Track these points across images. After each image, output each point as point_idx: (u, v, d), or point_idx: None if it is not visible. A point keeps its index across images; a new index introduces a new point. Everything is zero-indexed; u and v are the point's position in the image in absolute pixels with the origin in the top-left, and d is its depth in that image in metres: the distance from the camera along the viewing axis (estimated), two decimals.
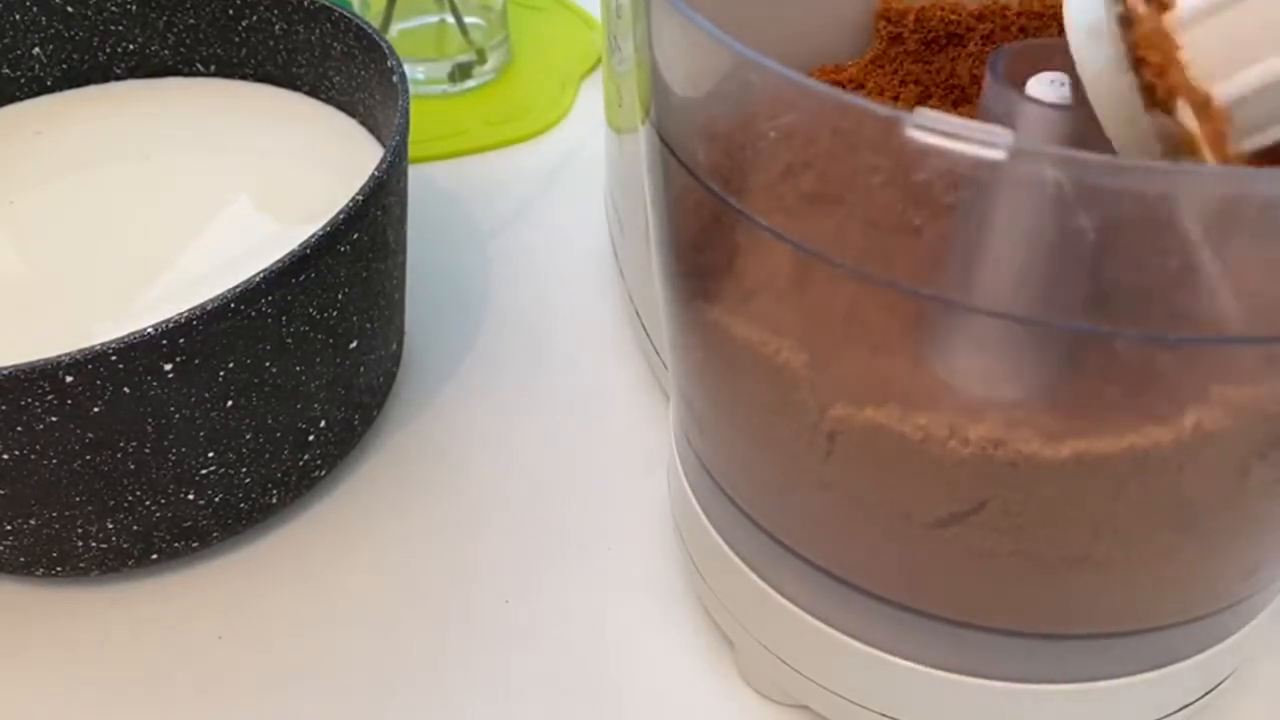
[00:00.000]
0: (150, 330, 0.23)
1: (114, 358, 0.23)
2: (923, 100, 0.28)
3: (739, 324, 0.21)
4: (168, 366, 0.24)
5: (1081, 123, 0.18)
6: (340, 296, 0.28)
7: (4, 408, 0.23)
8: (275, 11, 0.36)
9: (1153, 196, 0.14)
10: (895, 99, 0.27)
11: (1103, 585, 0.19)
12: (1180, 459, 0.17)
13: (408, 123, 0.30)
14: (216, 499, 0.28)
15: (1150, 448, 0.17)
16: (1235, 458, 0.17)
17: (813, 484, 0.21)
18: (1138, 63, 0.16)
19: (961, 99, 0.28)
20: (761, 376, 0.20)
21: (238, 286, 0.24)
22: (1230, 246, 0.15)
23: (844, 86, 0.28)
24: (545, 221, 0.42)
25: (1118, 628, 0.20)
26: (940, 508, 0.19)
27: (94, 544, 0.27)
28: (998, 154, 0.14)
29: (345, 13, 0.34)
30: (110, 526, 0.27)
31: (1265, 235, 0.14)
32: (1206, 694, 0.23)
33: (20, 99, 0.38)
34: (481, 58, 0.49)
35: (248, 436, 0.27)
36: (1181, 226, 0.14)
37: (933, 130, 0.14)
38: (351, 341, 0.29)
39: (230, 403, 0.26)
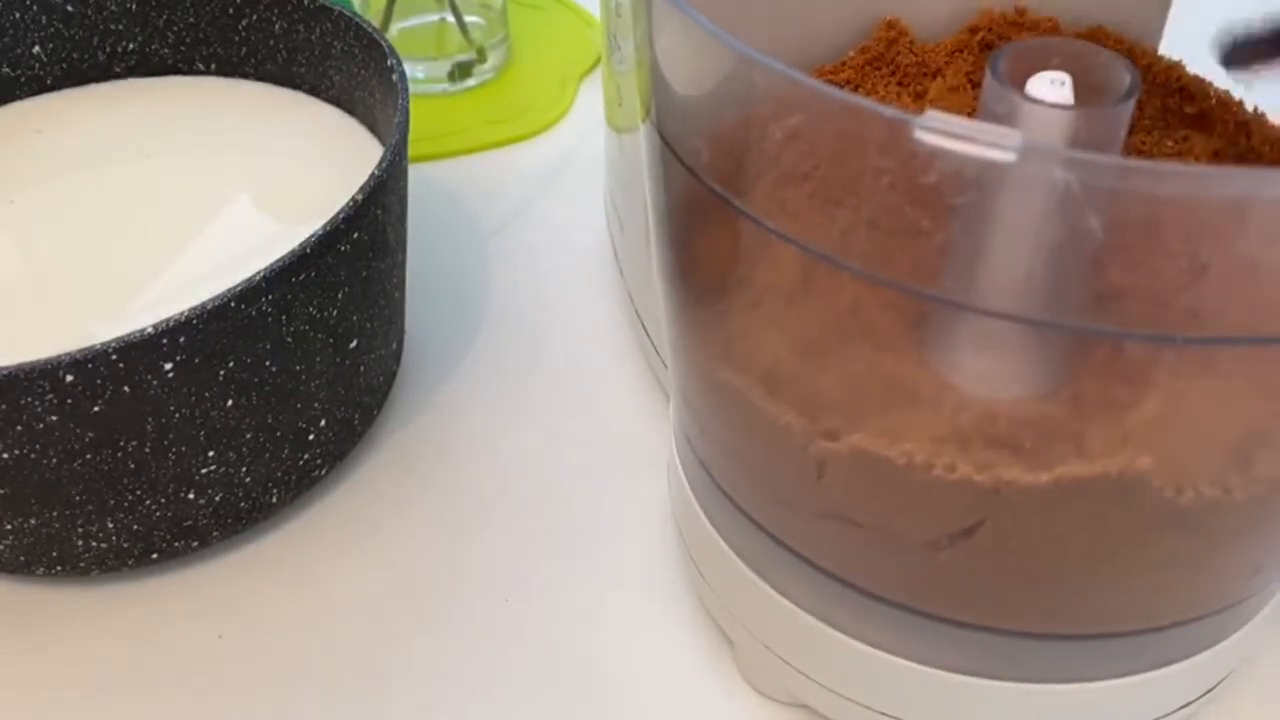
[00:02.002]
0: (150, 329, 0.23)
1: (114, 357, 0.23)
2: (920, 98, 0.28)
3: (733, 337, 0.21)
4: (168, 366, 0.24)
5: (1083, 123, 0.18)
6: (340, 296, 0.28)
7: (4, 407, 0.23)
8: (275, 10, 0.36)
9: (1163, 197, 0.14)
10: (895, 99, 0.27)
11: (1101, 590, 0.19)
12: (1160, 479, 0.17)
13: (407, 121, 0.30)
14: (216, 498, 0.28)
15: (1126, 468, 0.17)
16: (1213, 470, 0.17)
17: (808, 503, 0.21)
18: None
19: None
20: (753, 403, 0.20)
21: (238, 286, 0.24)
22: (1239, 247, 0.15)
23: (841, 87, 0.28)
24: (545, 221, 0.42)
25: (1117, 628, 0.20)
26: (933, 531, 0.19)
27: (94, 543, 0.27)
28: (1007, 155, 0.14)
29: (345, 11, 0.34)
30: (110, 526, 0.27)
31: (1275, 235, 0.14)
32: (1206, 693, 0.23)
33: (20, 98, 0.38)
34: (481, 56, 0.49)
35: (248, 436, 0.27)
36: (1190, 227, 0.14)
37: (941, 132, 0.14)
38: (352, 341, 0.29)
39: (230, 402, 0.26)
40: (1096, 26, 0.28)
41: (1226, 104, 0.25)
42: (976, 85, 0.27)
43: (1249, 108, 0.25)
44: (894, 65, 0.27)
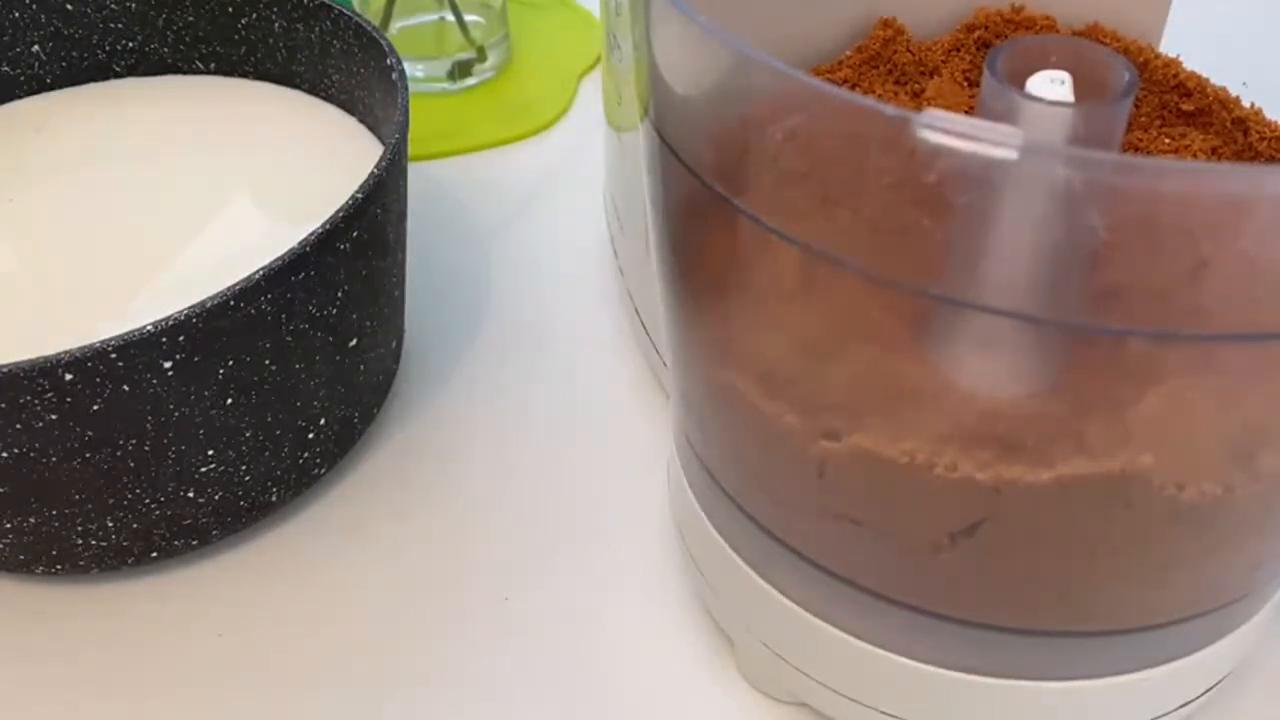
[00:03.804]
0: (150, 328, 0.23)
1: (114, 355, 0.23)
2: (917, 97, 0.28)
3: (734, 337, 0.21)
4: (167, 364, 0.24)
5: (1081, 120, 0.18)
6: (340, 294, 0.28)
7: (4, 405, 0.23)
8: (275, 9, 0.36)
9: (1163, 194, 0.14)
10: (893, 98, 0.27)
11: (1101, 587, 0.19)
12: (1161, 477, 0.17)
13: (407, 120, 0.30)
14: (216, 497, 0.28)
15: (1127, 466, 0.17)
16: (1215, 467, 0.17)
17: (809, 503, 0.21)
18: None
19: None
20: (753, 403, 0.20)
21: (237, 284, 0.24)
22: (1239, 243, 0.15)
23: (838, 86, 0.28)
24: (545, 220, 0.42)
25: (1117, 625, 0.20)
26: (935, 530, 0.19)
27: (94, 542, 0.27)
28: (1009, 153, 0.14)
29: (345, 10, 0.34)
30: (110, 525, 0.27)
31: (1275, 232, 0.14)
32: (1206, 692, 0.23)
33: (20, 97, 0.38)
34: (481, 55, 0.49)
35: (247, 434, 0.27)
36: (1190, 224, 0.14)
37: (943, 130, 0.14)
38: (351, 339, 0.29)
39: (230, 400, 0.26)
40: (1093, 24, 0.28)
41: (1224, 101, 0.25)
42: (974, 84, 0.27)
43: (1246, 104, 0.25)
44: (891, 64, 0.27)
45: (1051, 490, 0.17)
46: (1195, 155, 0.24)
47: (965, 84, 0.27)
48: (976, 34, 0.28)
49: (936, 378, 0.18)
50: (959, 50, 0.27)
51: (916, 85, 0.27)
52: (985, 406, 0.18)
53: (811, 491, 0.20)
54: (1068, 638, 0.20)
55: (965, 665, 0.21)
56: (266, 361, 0.26)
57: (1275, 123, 0.25)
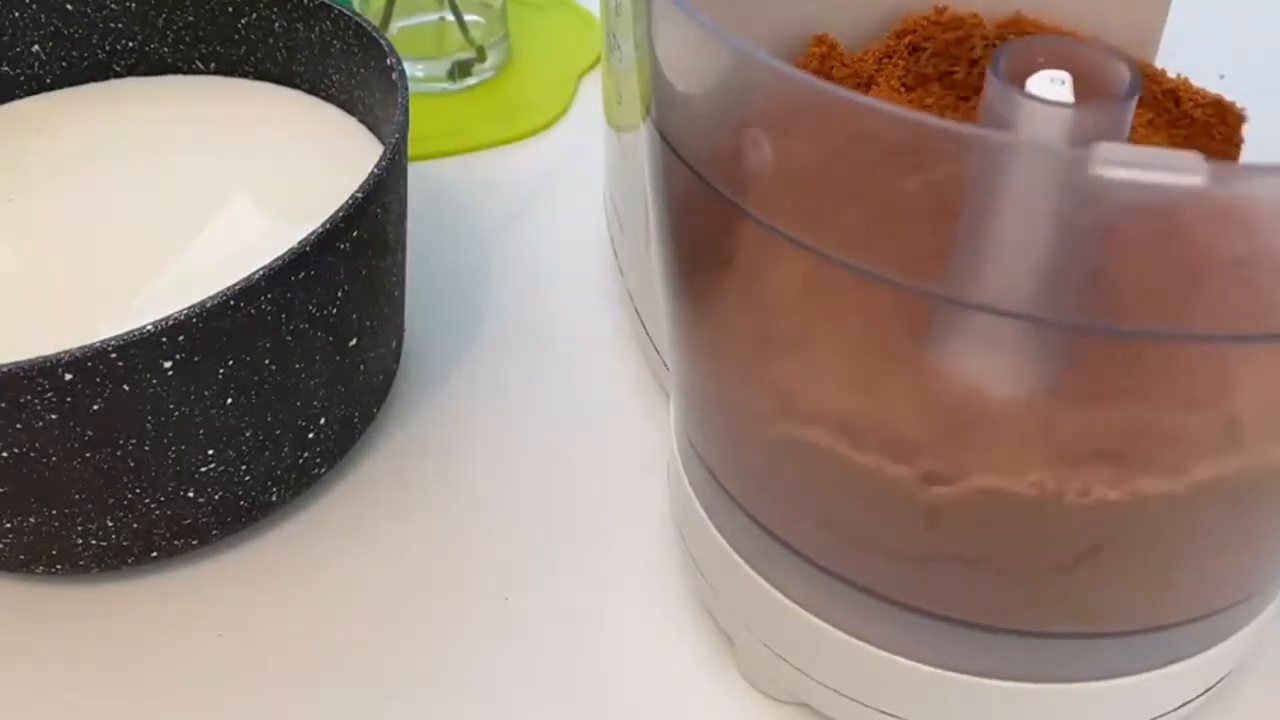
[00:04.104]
0: (150, 328, 0.23)
1: (114, 355, 0.23)
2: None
3: (736, 339, 0.20)
4: (167, 364, 0.24)
5: (1090, 119, 0.18)
6: (340, 294, 0.28)
7: (3, 405, 0.23)
8: (275, 9, 0.36)
9: None
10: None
11: (1129, 590, 0.19)
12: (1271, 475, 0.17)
13: (407, 120, 0.30)
14: (216, 497, 0.28)
15: (1257, 461, 0.17)
16: None
17: (910, 548, 0.20)
18: None
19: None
20: (836, 455, 0.19)
21: (237, 284, 0.24)
22: None
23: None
24: (545, 220, 0.42)
25: (1122, 627, 0.20)
26: (1061, 555, 0.18)
27: (94, 542, 0.27)
28: (1197, 179, 0.13)
29: (345, 10, 0.34)
30: (110, 524, 0.27)
31: None
32: (1206, 691, 0.23)
33: (19, 96, 0.38)
34: (481, 55, 0.49)
35: (247, 434, 0.27)
36: None
37: (1125, 164, 0.13)
38: (351, 339, 0.29)
39: (230, 400, 0.26)
40: (1015, 14, 0.28)
41: (1151, 75, 0.25)
42: (911, 89, 0.27)
43: (1172, 75, 0.25)
44: (828, 80, 0.27)
45: (1187, 495, 0.17)
46: (1134, 130, 0.24)
47: (903, 89, 0.27)
48: (907, 39, 0.27)
49: (1047, 401, 0.17)
50: (891, 57, 0.27)
51: None
52: (1103, 423, 0.17)
53: (916, 537, 0.19)
54: (1072, 639, 0.20)
55: (968, 667, 0.21)
56: (266, 361, 0.26)
57: (1204, 90, 0.25)
